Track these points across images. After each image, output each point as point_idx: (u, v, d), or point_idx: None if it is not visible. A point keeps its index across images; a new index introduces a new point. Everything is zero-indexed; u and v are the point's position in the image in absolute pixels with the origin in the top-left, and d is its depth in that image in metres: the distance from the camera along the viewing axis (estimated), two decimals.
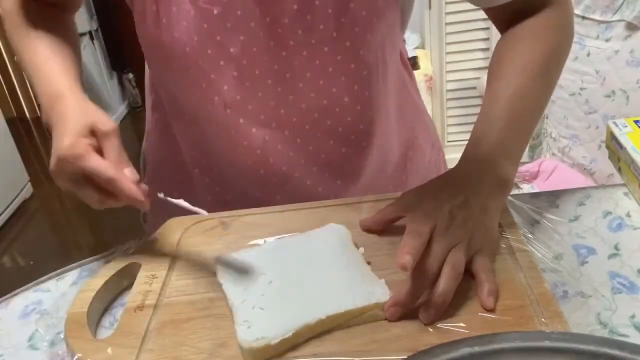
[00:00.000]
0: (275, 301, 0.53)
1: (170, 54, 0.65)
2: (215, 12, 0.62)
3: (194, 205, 0.63)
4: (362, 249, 0.58)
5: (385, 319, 0.51)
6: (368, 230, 0.61)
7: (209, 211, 0.65)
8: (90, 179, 0.56)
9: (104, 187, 0.56)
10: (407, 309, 0.50)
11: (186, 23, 0.62)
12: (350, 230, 0.60)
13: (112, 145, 0.57)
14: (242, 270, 0.55)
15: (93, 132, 0.57)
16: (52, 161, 0.57)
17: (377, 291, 0.51)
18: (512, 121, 0.61)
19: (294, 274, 0.55)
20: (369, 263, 0.56)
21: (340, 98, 0.69)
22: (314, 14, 0.62)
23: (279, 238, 0.62)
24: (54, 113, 0.60)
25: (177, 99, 0.71)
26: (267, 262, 0.57)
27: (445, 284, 0.50)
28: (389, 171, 0.79)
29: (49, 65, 0.65)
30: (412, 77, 0.83)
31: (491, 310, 0.50)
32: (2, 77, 3.75)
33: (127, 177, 0.55)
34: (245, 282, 0.54)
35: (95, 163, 0.55)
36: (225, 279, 0.56)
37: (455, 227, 0.53)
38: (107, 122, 0.57)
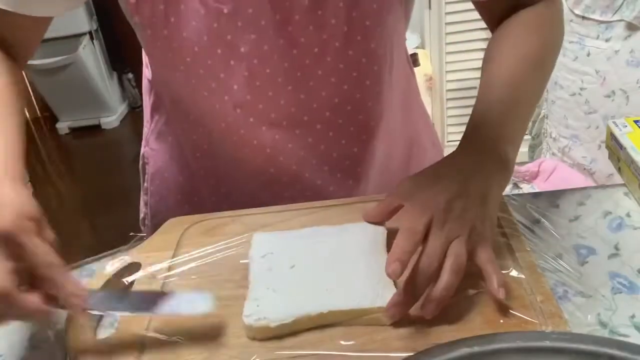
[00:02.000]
0: (288, 286, 0.54)
1: (178, 54, 0.64)
2: (226, 10, 0.61)
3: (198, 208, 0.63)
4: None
5: (388, 323, 0.50)
6: (371, 221, 0.59)
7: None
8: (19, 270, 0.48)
9: (35, 275, 0.48)
10: (407, 309, 0.50)
11: (195, 22, 0.62)
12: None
13: (48, 236, 0.51)
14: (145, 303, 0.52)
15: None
16: None
17: (385, 295, 0.51)
18: (511, 106, 0.61)
19: (315, 264, 0.56)
20: None
21: (352, 95, 0.68)
22: (325, 9, 0.62)
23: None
24: None
25: (182, 100, 0.71)
26: (297, 248, 0.58)
27: (447, 279, 0.48)
28: (393, 169, 0.79)
29: None
30: (414, 74, 0.83)
31: (501, 305, 0.50)
32: None
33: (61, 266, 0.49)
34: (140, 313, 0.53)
35: (33, 244, 0.48)
36: (253, 256, 0.58)
37: (453, 219, 0.50)
38: (32, 208, 0.52)
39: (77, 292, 0.49)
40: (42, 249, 0.48)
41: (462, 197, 0.52)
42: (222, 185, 0.76)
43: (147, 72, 0.79)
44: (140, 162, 0.86)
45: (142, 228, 0.88)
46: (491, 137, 0.58)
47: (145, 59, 0.77)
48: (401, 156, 0.80)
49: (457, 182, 0.53)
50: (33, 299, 0.47)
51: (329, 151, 0.72)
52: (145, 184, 0.85)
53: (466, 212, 0.51)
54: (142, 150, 0.85)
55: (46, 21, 0.66)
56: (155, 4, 0.62)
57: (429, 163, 0.83)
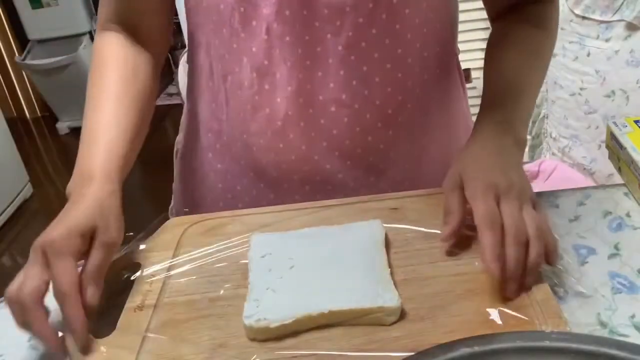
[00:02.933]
0: (288, 286, 0.54)
1: (208, 11, 0.65)
2: (266, 11, 0.62)
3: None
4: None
5: (388, 323, 0.50)
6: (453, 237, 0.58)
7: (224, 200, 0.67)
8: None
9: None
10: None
11: None
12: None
13: (99, 257, 0.54)
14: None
15: (93, 234, 0.54)
16: (41, 237, 0.54)
17: (385, 295, 0.51)
18: (520, 91, 0.66)
19: (314, 264, 0.56)
20: (390, 266, 0.56)
21: (370, 78, 0.66)
22: None
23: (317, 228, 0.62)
24: (75, 190, 0.59)
25: (210, 62, 0.70)
26: (297, 248, 0.58)
27: (538, 245, 0.51)
28: (425, 170, 0.76)
29: (101, 138, 0.63)
30: (463, 84, 0.81)
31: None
32: (2, 77, 3.75)
33: (79, 299, 0.51)
34: None
35: (62, 270, 0.51)
36: (252, 257, 0.58)
37: (516, 190, 0.55)
38: (110, 233, 0.55)
39: (77, 329, 0.51)
40: (64, 278, 0.51)
41: (509, 170, 0.57)
42: (234, 163, 0.74)
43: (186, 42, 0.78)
44: (174, 151, 0.83)
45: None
46: (508, 120, 0.63)
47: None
48: (434, 157, 0.76)
49: (498, 159, 0.58)
50: (42, 325, 0.50)
51: (342, 137, 0.69)
52: (176, 171, 0.83)
53: (518, 183, 0.56)
54: (178, 137, 0.82)
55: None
56: None
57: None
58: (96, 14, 3.67)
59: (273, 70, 0.66)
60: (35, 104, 3.87)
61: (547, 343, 0.42)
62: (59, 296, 0.51)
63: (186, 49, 0.78)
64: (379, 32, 0.64)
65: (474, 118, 0.68)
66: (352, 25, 0.63)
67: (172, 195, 0.86)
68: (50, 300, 0.52)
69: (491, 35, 0.73)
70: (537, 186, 1.56)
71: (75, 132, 3.64)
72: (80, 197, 0.57)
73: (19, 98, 3.85)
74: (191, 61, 0.75)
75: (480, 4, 0.75)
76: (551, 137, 1.62)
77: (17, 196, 2.88)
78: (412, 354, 0.44)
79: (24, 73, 3.67)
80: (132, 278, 0.59)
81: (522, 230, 0.52)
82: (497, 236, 0.51)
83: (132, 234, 0.65)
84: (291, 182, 0.70)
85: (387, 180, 0.73)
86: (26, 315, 0.50)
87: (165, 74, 0.80)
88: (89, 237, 0.54)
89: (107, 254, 0.55)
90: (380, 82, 0.67)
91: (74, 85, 3.41)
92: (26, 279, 0.51)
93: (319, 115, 0.68)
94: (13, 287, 0.51)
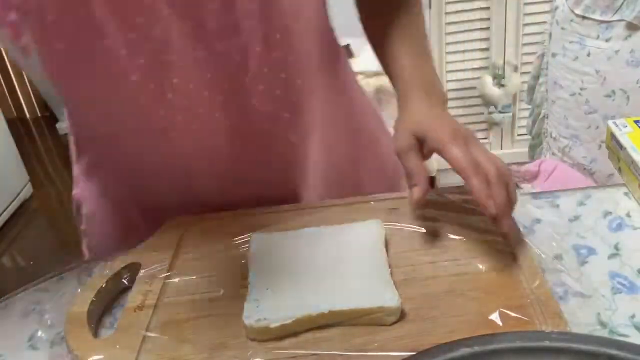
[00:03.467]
0: (288, 286, 0.53)
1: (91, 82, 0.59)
2: (132, 36, 0.55)
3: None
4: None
5: (388, 323, 0.50)
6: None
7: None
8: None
9: None
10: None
11: (125, 52, 0.56)
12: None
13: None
14: None
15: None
16: None
17: (385, 295, 0.51)
18: (428, 62, 0.70)
19: (315, 264, 0.56)
20: (390, 266, 0.56)
21: (288, 98, 0.65)
22: (236, 11, 0.57)
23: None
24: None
25: (105, 137, 0.67)
26: (297, 248, 0.58)
27: (510, 180, 0.55)
28: (339, 165, 0.77)
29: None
30: (346, 62, 0.80)
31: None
32: (2, 77, 3.75)
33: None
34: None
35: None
36: (252, 257, 0.58)
37: (470, 133, 0.58)
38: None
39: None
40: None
41: (454, 120, 0.60)
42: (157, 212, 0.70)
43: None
44: (74, 205, 0.80)
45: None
46: (429, 81, 0.67)
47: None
48: (343, 150, 0.78)
49: (442, 112, 0.63)
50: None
51: (268, 159, 0.69)
52: (82, 226, 0.80)
53: (468, 129, 0.59)
54: (74, 192, 0.79)
55: None
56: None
57: (384, 150, 0.83)
58: None
59: (188, 124, 0.63)
60: (35, 104, 3.87)
61: (547, 343, 0.42)
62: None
63: None
64: (279, 54, 0.62)
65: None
66: (251, 54, 0.60)
67: None
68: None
69: (372, 28, 0.73)
70: (537, 186, 1.56)
71: None
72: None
73: (19, 98, 3.85)
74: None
75: None
76: (551, 137, 1.62)
77: (17, 196, 2.88)
78: (412, 354, 0.44)
79: (24, 73, 3.67)
80: (132, 278, 0.59)
81: (500, 169, 0.55)
82: (483, 177, 0.53)
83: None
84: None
85: (321, 187, 0.75)
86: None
87: None
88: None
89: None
90: (297, 101, 0.66)
91: None
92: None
93: (246, 144, 0.66)
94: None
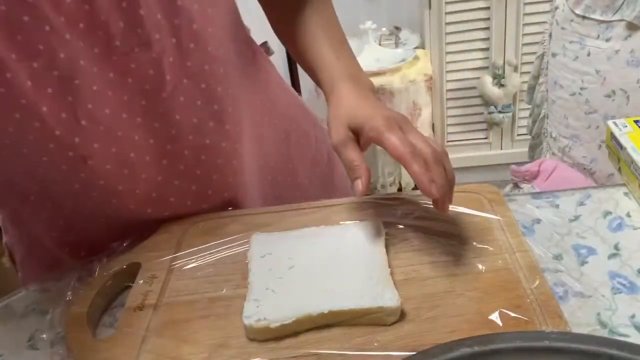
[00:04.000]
0: (288, 286, 0.53)
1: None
2: (35, 65, 0.52)
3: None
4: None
5: (388, 323, 0.50)
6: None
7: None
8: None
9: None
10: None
11: (4, 90, 0.52)
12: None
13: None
14: None
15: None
16: None
17: (385, 295, 0.51)
18: (348, 50, 0.71)
19: (315, 264, 0.56)
20: (390, 266, 0.56)
21: (210, 107, 0.64)
22: (143, 26, 0.56)
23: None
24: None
25: (19, 182, 0.63)
26: (297, 248, 0.58)
27: (447, 161, 0.55)
28: (272, 165, 0.77)
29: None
30: (268, 60, 0.80)
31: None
32: None
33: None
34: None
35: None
36: (252, 257, 0.58)
37: (404, 119, 0.58)
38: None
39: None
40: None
41: (385, 107, 0.61)
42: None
43: None
44: (6, 253, 0.77)
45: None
46: (354, 72, 0.67)
47: None
48: (273, 149, 0.77)
49: (374, 102, 0.62)
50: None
51: (201, 170, 0.66)
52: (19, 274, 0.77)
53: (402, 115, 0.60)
54: (4, 240, 0.76)
55: None
56: None
57: (316, 143, 0.84)
58: None
59: (107, 148, 0.60)
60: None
61: (547, 343, 0.42)
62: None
63: None
64: (193, 63, 0.61)
65: None
66: (165, 67, 0.59)
67: None
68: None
69: (282, 25, 0.74)
70: (537, 186, 1.56)
71: None
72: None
73: None
74: None
75: None
76: (551, 136, 1.62)
77: None
78: (412, 354, 0.44)
79: None
80: (132, 278, 0.59)
81: (436, 150, 0.54)
82: (421, 161, 0.53)
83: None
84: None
85: (259, 189, 0.74)
86: None
87: None
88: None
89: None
90: (219, 109, 0.65)
91: None
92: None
93: (175, 162, 0.65)
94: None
